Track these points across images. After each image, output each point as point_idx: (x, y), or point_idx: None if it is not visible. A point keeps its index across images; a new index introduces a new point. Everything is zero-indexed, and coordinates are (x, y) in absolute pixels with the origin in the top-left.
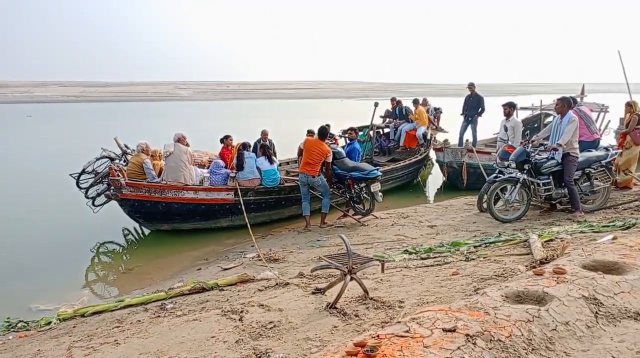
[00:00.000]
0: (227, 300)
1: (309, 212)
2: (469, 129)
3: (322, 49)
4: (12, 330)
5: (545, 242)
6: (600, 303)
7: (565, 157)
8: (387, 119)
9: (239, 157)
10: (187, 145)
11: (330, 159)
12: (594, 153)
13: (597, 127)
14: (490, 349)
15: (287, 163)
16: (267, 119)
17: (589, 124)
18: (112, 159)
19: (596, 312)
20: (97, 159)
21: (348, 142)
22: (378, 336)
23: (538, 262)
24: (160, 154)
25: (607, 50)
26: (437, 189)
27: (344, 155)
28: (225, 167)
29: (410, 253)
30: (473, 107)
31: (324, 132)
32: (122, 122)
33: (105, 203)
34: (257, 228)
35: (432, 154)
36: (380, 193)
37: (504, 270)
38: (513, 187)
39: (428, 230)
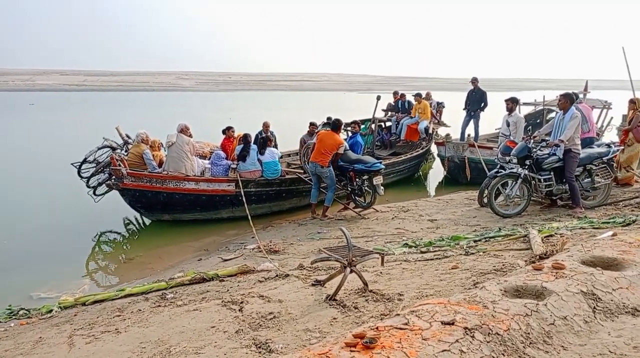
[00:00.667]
0: (228, 290)
1: (316, 201)
2: (471, 123)
3: (323, 48)
4: (13, 317)
5: (545, 237)
6: (599, 298)
7: (566, 153)
8: (390, 113)
9: (245, 149)
10: (190, 136)
11: (342, 151)
12: (596, 149)
13: (593, 125)
14: (488, 342)
15: (289, 155)
16: (269, 110)
17: (582, 122)
18: (113, 149)
19: (594, 307)
20: (99, 149)
21: (350, 135)
22: (377, 328)
23: (537, 257)
24: (160, 144)
25: (611, 47)
26: (438, 183)
27: (347, 147)
28: (226, 158)
29: (410, 246)
30: (475, 101)
31: (337, 124)
32: (123, 111)
33: (106, 192)
34: (258, 219)
35: (434, 148)
36: (382, 187)
37: (503, 265)
38: (514, 182)
39: (428, 224)
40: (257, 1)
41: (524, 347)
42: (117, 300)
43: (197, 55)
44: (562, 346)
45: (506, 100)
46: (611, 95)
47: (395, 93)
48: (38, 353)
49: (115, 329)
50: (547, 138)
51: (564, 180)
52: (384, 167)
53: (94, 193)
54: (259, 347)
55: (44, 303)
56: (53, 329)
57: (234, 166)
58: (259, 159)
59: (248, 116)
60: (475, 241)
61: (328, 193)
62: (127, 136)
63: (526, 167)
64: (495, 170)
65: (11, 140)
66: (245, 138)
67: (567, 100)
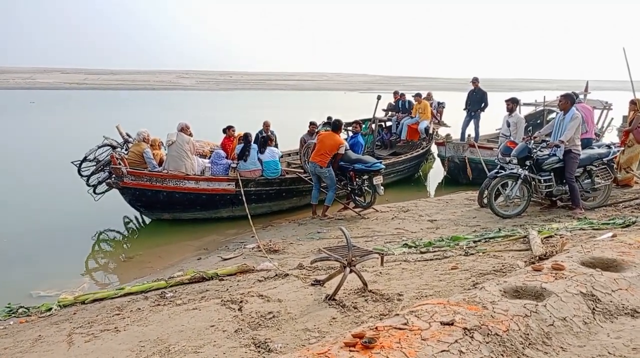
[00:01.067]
0: (227, 290)
1: (317, 201)
2: (472, 123)
3: (323, 48)
4: (13, 315)
5: (545, 238)
6: (598, 299)
7: (567, 153)
8: (390, 112)
9: (245, 148)
10: (190, 134)
11: (342, 151)
12: (596, 150)
13: (591, 126)
14: (487, 343)
15: (289, 154)
16: (270, 109)
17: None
18: (113, 147)
19: (593, 309)
20: (99, 147)
21: (352, 135)
22: (376, 328)
23: (537, 257)
24: (160, 143)
25: (611, 48)
26: (438, 184)
27: (348, 147)
28: (226, 158)
29: (410, 247)
30: (476, 102)
31: (337, 125)
32: (124, 110)
33: (106, 191)
34: (258, 219)
35: (434, 148)
36: (382, 187)
37: (502, 266)
38: (514, 183)
39: (428, 224)
40: (257, 1)
41: (523, 347)
42: (117, 298)
43: (198, 55)
44: (562, 347)
45: (506, 101)
46: (612, 96)
47: (395, 93)
48: (37, 351)
49: (115, 328)
50: (547, 139)
51: (564, 181)
52: (384, 167)
53: (94, 191)
54: (258, 347)
55: (44, 301)
56: (52, 327)
57: (234, 165)
58: (259, 158)
59: (248, 115)
60: (474, 242)
61: (328, 193)
62: (128, 135)
63: (526, 167)
64: (496, 170)
65: (11, 139)
66: (245, 137)
67: (568, 101)
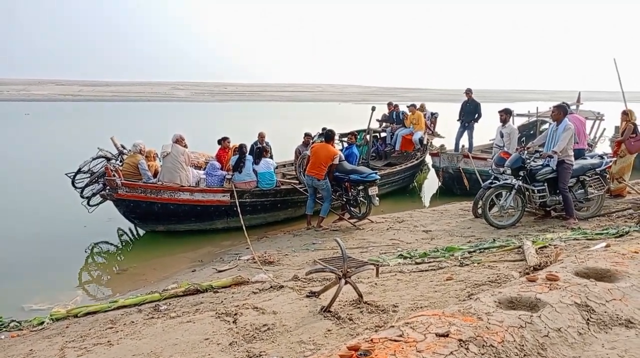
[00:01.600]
0: (222, 302)
1: (312, 212)
2: (465, 134)
3: (322, 49)
4: (4, 329)
5: (539, 248)
6: (592, 310)
7: (560, 164)
8: (384, 124)
9: (240, 159)
10: (185, 146)
11: (337, 161)
12: (589, 161)
13: (582, 137)
14: (482, 354)
15: (284, 165)
16: (265, 120)
17: None
18: (108, 159)
19: (588, 319)
20: (93, 159)
21: (347, 146)
22: (372, 340)
23: (531, 268)
24: (155, 154)
25: (603, 59)
26: (433, 194)
27: (343, 158)
28: (221, 169)
29: (405, 257)
30: (470, 112)
31: (330, 135)
32: (118, 122)
33: (100, 203)
34: (253, 230)
35: (429, 159)
36: (377, 197)
37: (497, 276)
38: (508, 193)
39: (423, 234)
40: (257, 2)
41: None
42: (110, 311)
43: (194, 65)
44: None
45: (500, 112)
46: (604, 107)
47: (389, 104)
48: None
49: (108, 341)
50: (540, 149)
51: (558, 191)
52: (379, 177)
53: (88, 203)
54: None
55: (36, 315)
56: (44, 341)
57: (229, 176)
58: (254, 170)
59: (243, 126)
60: (469, 252)
61: (324, 204)
62: (122, 146)
63: (520, 178)
64: (490, 181)
65: (6, 150)
66: (240, 148)
67: (561, 112)
